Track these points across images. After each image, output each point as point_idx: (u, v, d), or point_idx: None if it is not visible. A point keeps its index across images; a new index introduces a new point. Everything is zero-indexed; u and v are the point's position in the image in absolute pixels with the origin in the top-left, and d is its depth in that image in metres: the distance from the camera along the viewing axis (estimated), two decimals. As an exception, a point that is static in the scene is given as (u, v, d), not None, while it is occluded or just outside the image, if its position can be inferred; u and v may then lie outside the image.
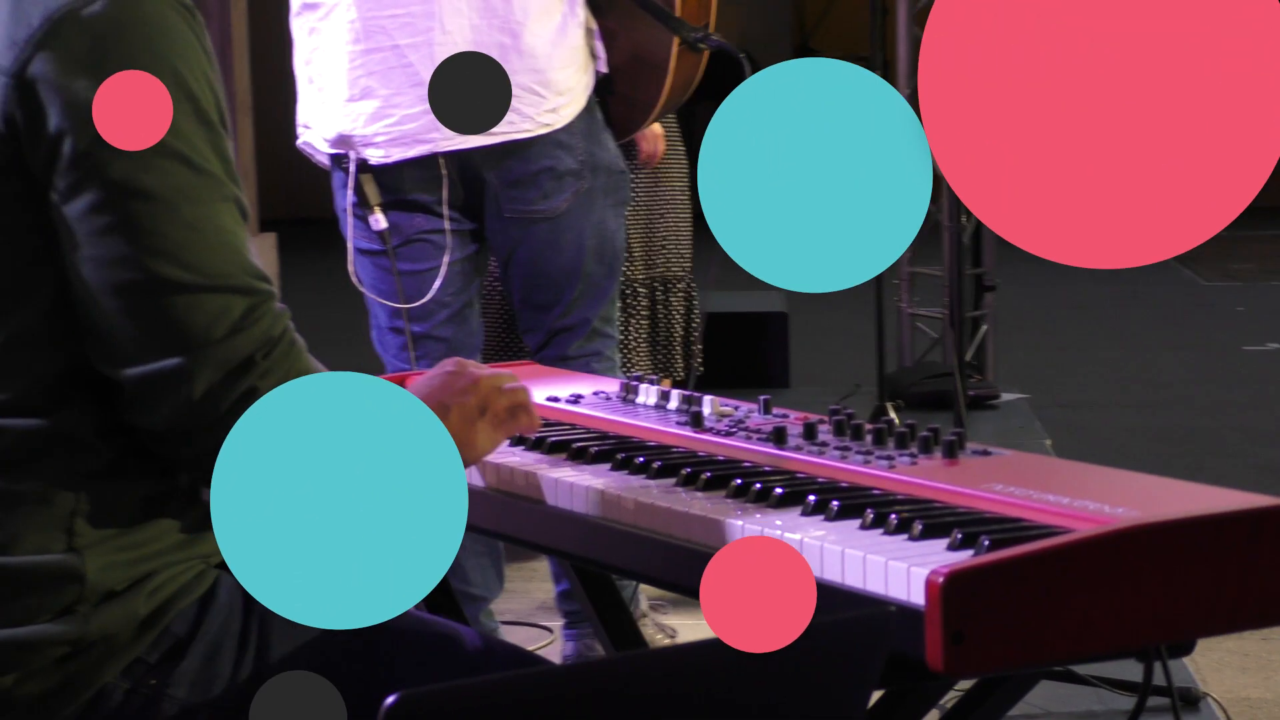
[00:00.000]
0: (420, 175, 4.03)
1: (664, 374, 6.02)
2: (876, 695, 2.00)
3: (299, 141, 4.15)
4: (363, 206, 4.01)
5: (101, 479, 1.91)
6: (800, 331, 8.09)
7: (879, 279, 6.50)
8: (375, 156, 3.98)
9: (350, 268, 4.07)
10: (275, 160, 9.20)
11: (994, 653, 1.81)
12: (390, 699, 1.42)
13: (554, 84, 4.09)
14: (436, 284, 4.06)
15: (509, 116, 4.00)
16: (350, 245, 4.06)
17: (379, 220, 4.01)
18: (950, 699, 2.16)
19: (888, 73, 9.00)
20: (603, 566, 2.20)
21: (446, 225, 4.07)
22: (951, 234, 5.01)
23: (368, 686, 1.98)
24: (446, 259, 4.11)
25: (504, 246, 4.13)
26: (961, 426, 4.65)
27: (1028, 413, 7.26)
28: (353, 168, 4.00)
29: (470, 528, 2.35)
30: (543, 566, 4.90)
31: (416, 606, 2.64)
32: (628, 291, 5.77)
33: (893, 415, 6.25)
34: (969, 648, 1.79)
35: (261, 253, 9.33)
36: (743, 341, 7.78)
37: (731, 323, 7.52)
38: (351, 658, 2.02)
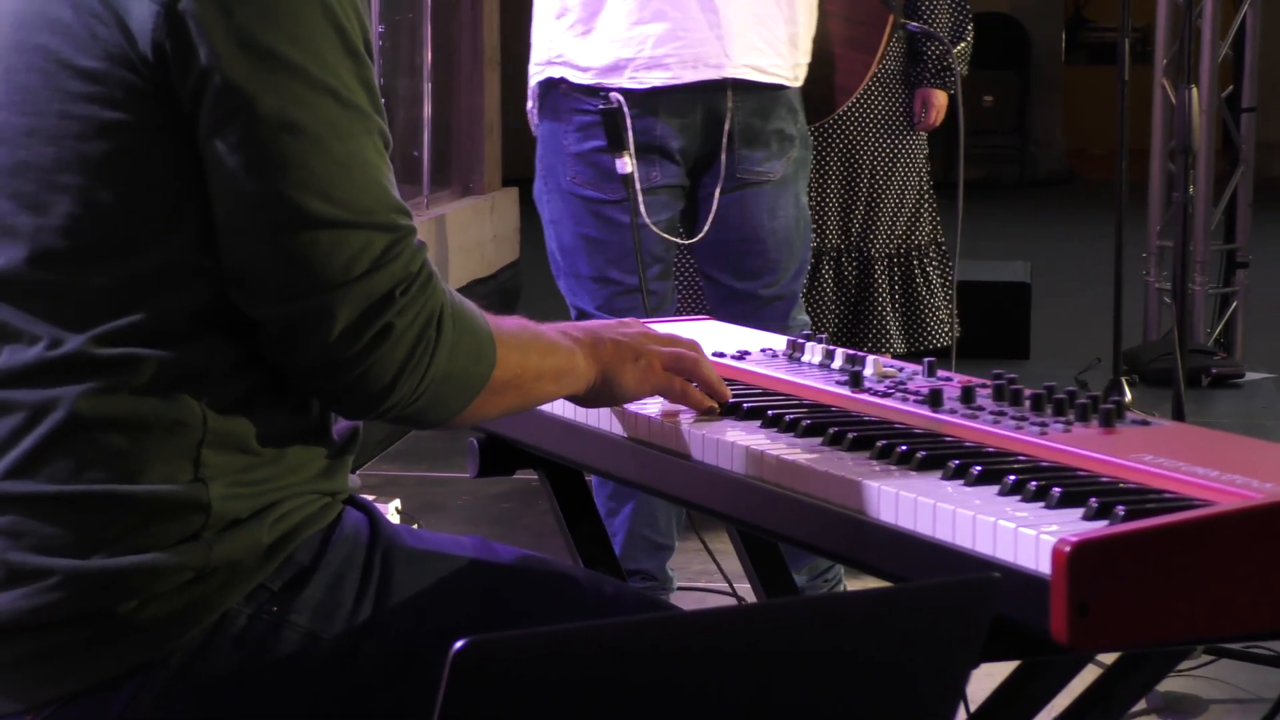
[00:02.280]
0: (677, 114, 4.02)
1: (883, 345, 5.96)
2: (1008, 669, 1.95)
3: (537, 81, 4.12)
4: (613, 148, 4.00)
5: (231, 412, 1.90)
6: (1043, 303, 7.95)
7: (1119, 251, 6.35)
8: (659, 79, 3.98)
9: (640, 208, 4.03)
10: (520, 117, 9.22)
11: (1121, 627, 1.74)
12: (458, 644, 1.39)
13: (802, 42, 4.12)
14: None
15: (774, 59, 4.04)
16: (637, 186, 4.02)
17: (626, 164, 3.99)
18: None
19: (1145, 43, 8.79)
20: (744, 524, 2.16)
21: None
22: (1179, 206, 4.90)
23: (488, 627, 1.97)
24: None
25: (719, 209, 4.11)
26: (1180, 401, 4.55)
27: (1273, 393, 7.06)
28: (623, 99, 3.98)
29: (614, 478, 2.33)
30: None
31: (572, 555, 2.63)
32: (873, 262, 5.80)
33: (1126, 390, 6.12)
34: (1095, 620, 1.73)
35: (502, 209, 9.40)
36: (983, 312, 7.66)
37: (973, 292, 7.41)
38: (473, 597, 2.02)
